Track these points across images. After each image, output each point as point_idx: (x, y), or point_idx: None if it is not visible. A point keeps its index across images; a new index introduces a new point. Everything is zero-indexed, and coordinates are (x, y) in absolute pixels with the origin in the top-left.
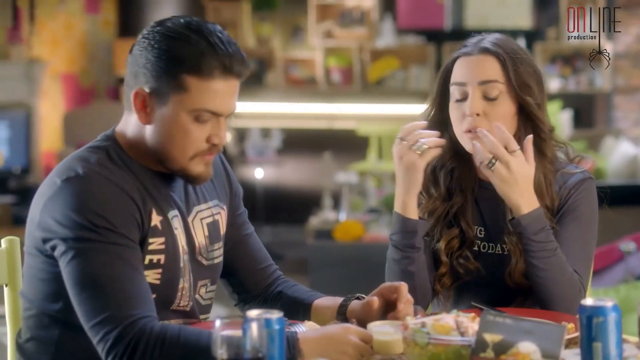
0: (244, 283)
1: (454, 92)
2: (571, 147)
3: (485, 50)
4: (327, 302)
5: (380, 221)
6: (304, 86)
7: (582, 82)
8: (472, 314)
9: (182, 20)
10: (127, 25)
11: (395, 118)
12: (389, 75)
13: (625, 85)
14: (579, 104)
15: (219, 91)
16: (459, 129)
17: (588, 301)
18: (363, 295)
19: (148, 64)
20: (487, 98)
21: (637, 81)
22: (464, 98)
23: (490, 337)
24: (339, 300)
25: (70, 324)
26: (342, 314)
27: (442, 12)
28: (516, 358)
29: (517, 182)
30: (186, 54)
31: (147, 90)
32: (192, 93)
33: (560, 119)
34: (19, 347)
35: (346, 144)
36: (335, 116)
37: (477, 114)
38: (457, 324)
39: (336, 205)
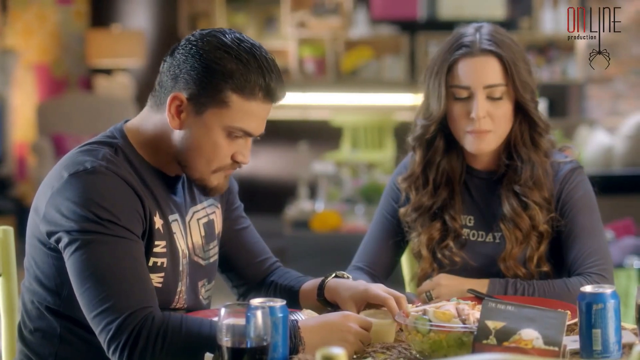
0: (242, 277)
1: (458, 91)
2: (553, 136)
3: (487, 52)
4: (311, 284)
5: (357, 211)
6: None
7: (555, 72)
8: (472, 302)
9: (234, 35)
10: (100, 16)
11: (369, 108)
12: (363, 65)
13: (599, 75)
14: (553, 93)
15: (257, 113)
16: (461, 127)
17: (587, 288)
18: (342, 273)
19: (193, 71)
20: (491, 98)
21: (611, 71)
22: (467, 97)
23: (492, 324)
24: (319, 280)
25: (72, 319)
26: (321, 296)
27: (416, 2)
28: (519, 345)
29: (461, 282)
30: (235, 71)
31: (185, 96)
32: (232, 110)
33: None
34: (23, 338)
35: (320, 134)
36: (309, 106)
37: (483, 116)
38: (458, 311)
39: (312, 195)
